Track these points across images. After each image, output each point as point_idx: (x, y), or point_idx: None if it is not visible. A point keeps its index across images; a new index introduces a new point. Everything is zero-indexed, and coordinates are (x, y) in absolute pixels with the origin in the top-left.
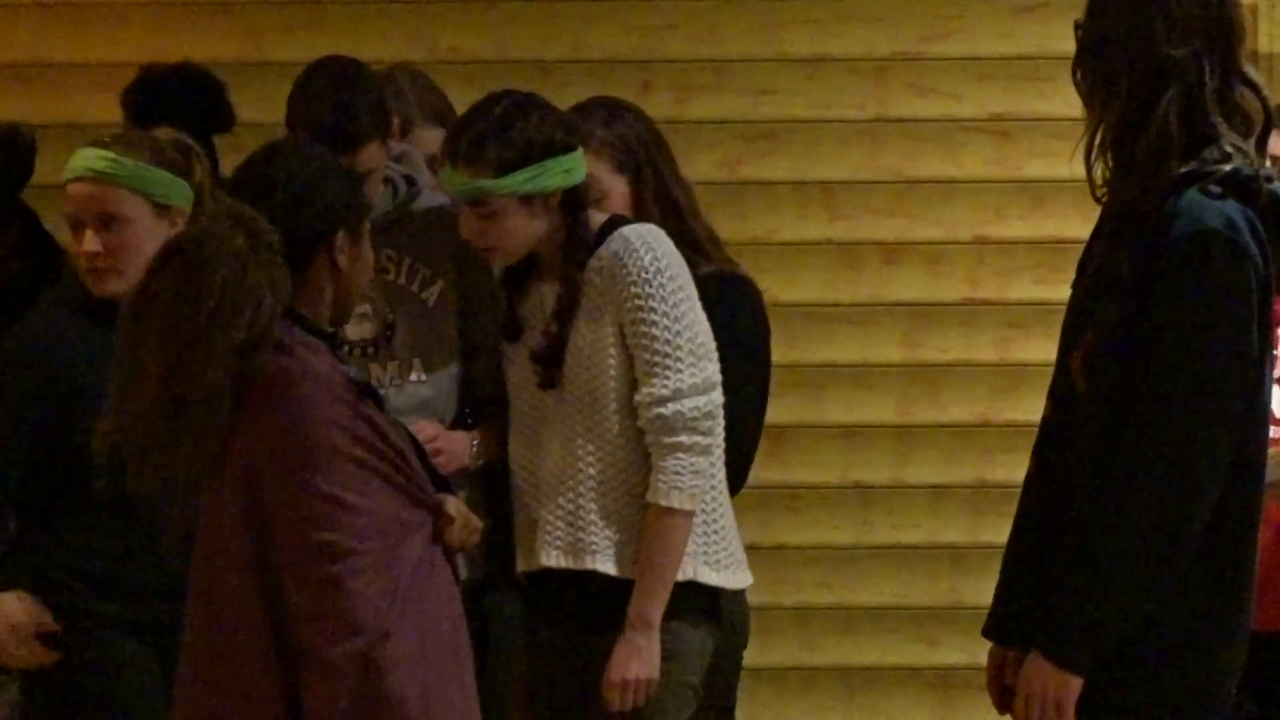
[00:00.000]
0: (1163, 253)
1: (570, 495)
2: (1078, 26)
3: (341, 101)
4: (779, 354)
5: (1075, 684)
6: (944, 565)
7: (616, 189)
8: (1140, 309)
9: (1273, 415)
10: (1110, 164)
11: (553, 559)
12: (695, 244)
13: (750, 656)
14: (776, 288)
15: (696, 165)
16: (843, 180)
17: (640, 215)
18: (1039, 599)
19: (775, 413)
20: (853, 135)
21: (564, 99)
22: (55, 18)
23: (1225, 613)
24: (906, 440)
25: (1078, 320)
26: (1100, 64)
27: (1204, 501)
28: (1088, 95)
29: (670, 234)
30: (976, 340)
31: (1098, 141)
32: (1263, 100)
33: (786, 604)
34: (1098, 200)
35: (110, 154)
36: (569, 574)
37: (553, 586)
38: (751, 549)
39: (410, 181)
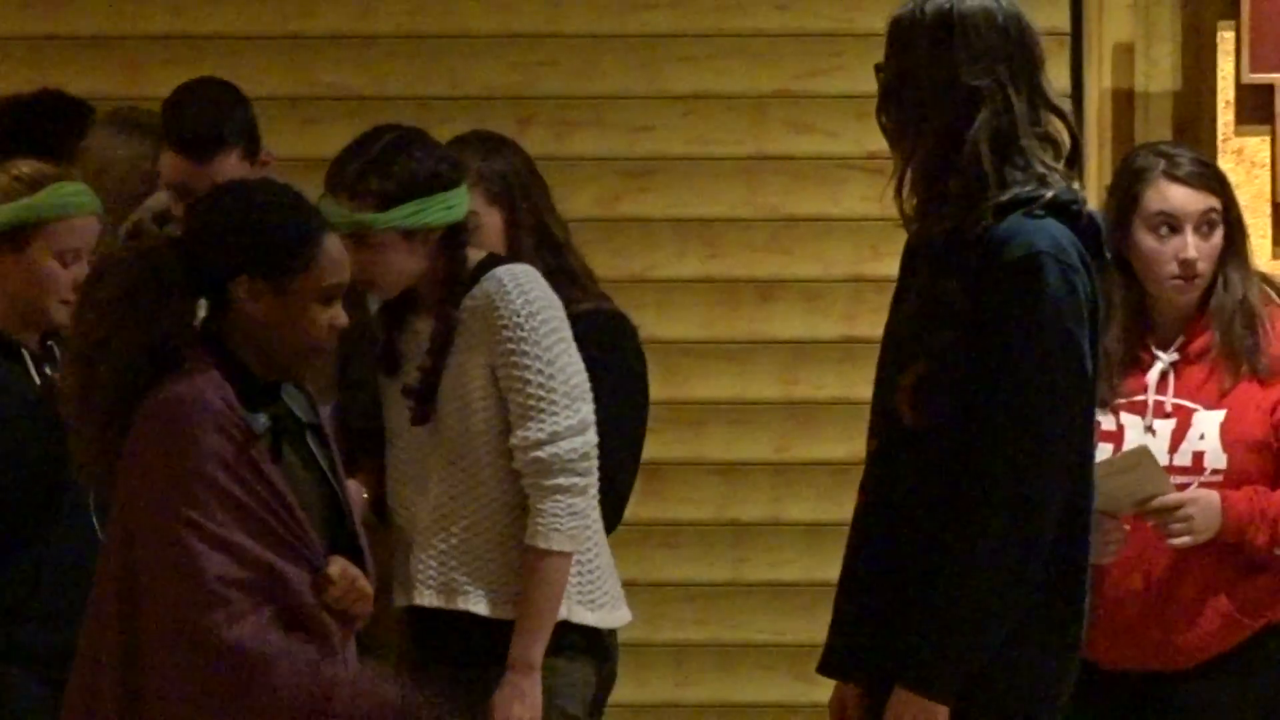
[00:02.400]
0: (994, 277)
1: (443, 535)
2: (879, 69)
3: (205, 110)
4: (657, 391)
5: (943, 713)
6: (821, 602)
7: (491, 222)
8: (972, 336)
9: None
10: (921, 198)
11: (425, 598)
12: (571, 278)
13: (627, 693)
14: (654, 325)
15: (575, 202)
16: (721, 217)
17: (514, 248)
18: (879, 632)
19: (653, 449)
20: (731, 172)
21: (443, 135)
22: None
23: (1060, 633)
24: (783, 477)
25: (899, 355)
26: (906, 100)
27: (1050, 518)
28: (895, 133)
29: (546, 268)
30: (854, 378)
31: (908, 178)
32: (1069, 125)
33: (663, 640)
34: (912, 236)
35: None
36: (440, 614)
37: (428, 625)
38: (629, 585)
39: None
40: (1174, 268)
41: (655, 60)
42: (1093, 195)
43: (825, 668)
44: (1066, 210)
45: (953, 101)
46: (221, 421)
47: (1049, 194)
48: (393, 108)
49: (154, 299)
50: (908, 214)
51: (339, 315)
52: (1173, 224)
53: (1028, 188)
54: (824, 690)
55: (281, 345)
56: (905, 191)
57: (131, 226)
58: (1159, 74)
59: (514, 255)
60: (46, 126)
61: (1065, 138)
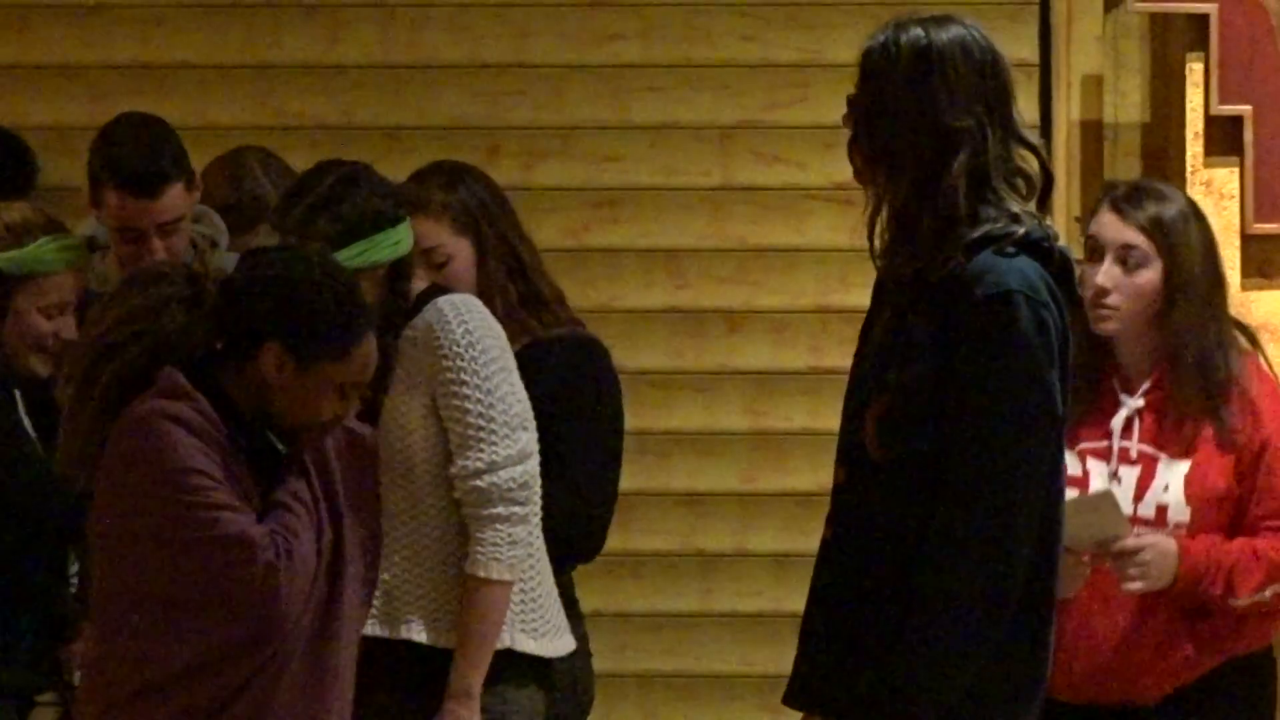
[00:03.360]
0: (965, 314)
1: (385, 564)
2: (851, 101)
3: (144, 146)
4: (624, 421)
5: None
6: (787, 633)
7: (460, 252)
8: (939, 373)
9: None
10: (893, 234)
11: (370, 628)
12: (542, 303)
13: None
14: (621, 354)
15: (542, 231)
16: (687, 248)
17: (482, 276)
18: (844, 664)
19: (619, 480)
20: (698, 203)
21: (410, 165)
22: None
23: (1028, 669)
24: (750, 508)
25: (866, 388)
26: (881, 136)
27: (1021, 554)
28: (866, 169)
29: (515, 294)
30: (820, 409)
31: (880, 213)
32: (1041, 161)
33: (629, 671)
34: (882, 272)
35: None
36: (383, 643)
37: (371, 654)
38: (595, 616)
39: (213, 243)
40: (1090, 294)
41: (623, 90)
42: (1060, 226)
43: (790, 698)
44: (1038, 247)
45: (931, 141)
46: (194, 428)
47: (1020, 231)
48: (360, 138)
49: (184, 325)
50: (878, 249)
51: (348, 410)
52: (1097, 249)
53: (999, 224)
54: None
55: (286, 414)
56: (878, 226)
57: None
58: (1128, 106)
59: (484, 282)
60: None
61: (1036, 170)
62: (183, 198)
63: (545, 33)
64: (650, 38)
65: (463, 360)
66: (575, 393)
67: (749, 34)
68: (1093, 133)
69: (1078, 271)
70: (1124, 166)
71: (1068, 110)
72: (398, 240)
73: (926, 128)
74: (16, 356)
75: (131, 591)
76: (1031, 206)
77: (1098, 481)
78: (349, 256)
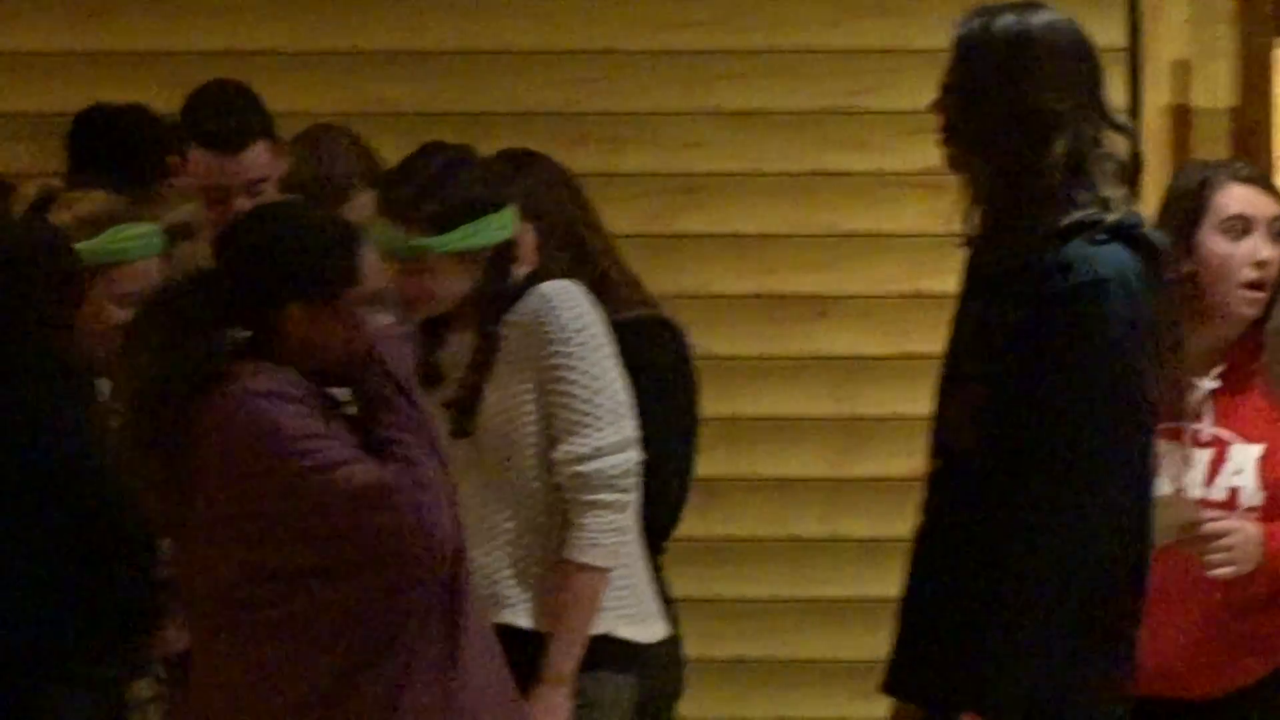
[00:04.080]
0: (1056, 302)
1: (485, 548)
2: (944, 89)
3: (225, 104)
4: (711, 407)
5: None
6: (877, 619)
7: (525, 238)
8: (1029, 360)
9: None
10: (986, 220)
11: None
12: (610, 288)
13: (683, 709)
14: (707, 341)
15: (627, 217)
16: (774, 234)
17: (544, 261)
18: (940, 654)
19: (707, 466)
20: (784, 189)
21: (493, 151)
22: None
23: (1110, 666)
24: (839, 494)
25: (957, 375)
26: (976, 122)
27: (1107, 546)
28: (960, 156)
29: (583, 280)
30: (908, 394)
31: (971, 197)
32: (1134, 145)
33: (719, 657)
34: (976, 258)
35: None
36: None
37: None
38: (684, 602)
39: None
40: (1248, 273)
41: (707, 76)
42: (1149, 211)
43: (888, 686)
44: (1129, 234)
45: (1024, 126)
46: (296, 397)
47: (1112, 217)
48: (443, 124)
49: (198, 341)
50: (972, 235)
51: (383, 316)
52: (1246, 226)
53: (1091, 211)
54: (881, 708)
55: (333, 358)
56: (969, 212)
57: None
58: (1215, 90)
59: (547, 269)
60: (133, 141)
61: (1127, 156)
62: (267, 157)
63: (629, 19)
64: (734, 24)
65: (569, 345)
66: (649, 374)
67: (834, 20)
68: (1181, 117)
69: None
70: (1211, 151)
71: (1156, 95)
72: (502, 225)
73: (1022, 113)
74: (93, 347)
75: (264, 572)
76: (1124, 192)
77: (1168, 462)
78: (455, 240)
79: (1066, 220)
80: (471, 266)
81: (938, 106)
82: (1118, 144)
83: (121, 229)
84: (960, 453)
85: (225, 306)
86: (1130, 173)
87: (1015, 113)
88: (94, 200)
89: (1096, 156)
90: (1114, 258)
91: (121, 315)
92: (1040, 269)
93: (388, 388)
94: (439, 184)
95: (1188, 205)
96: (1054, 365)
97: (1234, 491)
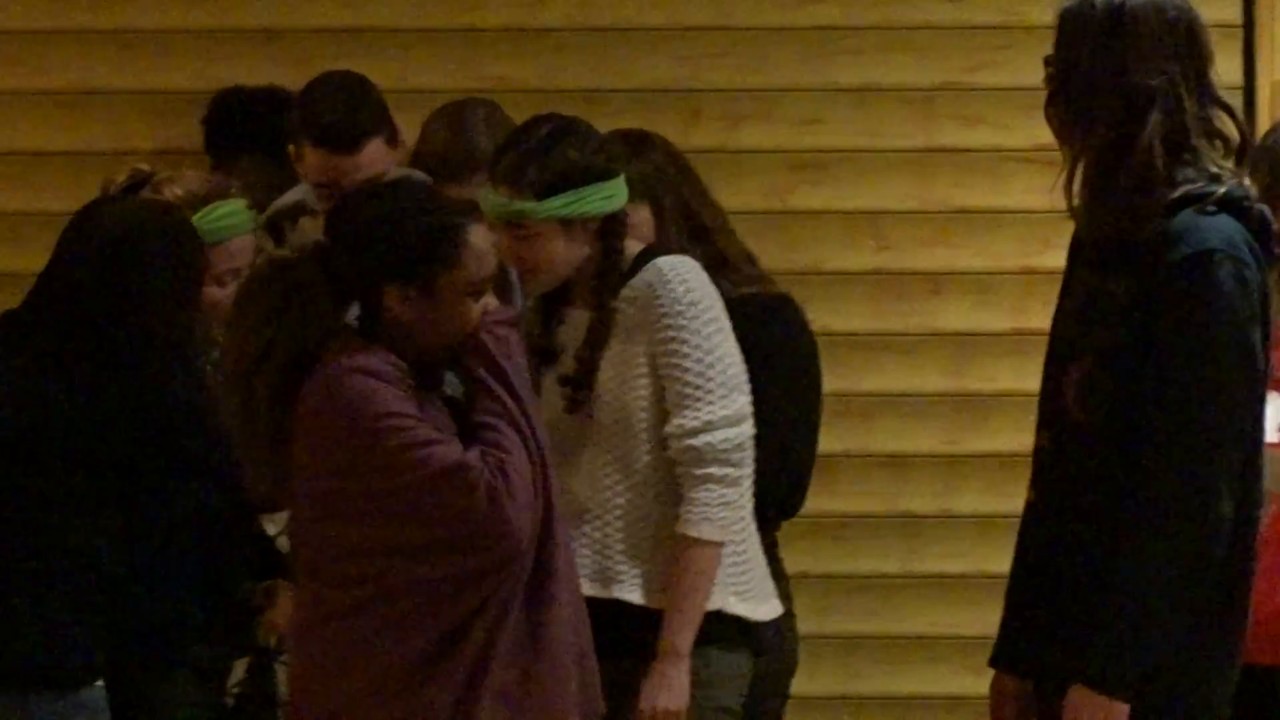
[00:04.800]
0: (1166, 274)
1: (598, 524)
2: (1048, 62)
3: (342, 101)
4: (827, 383)
5: (1122, 710)
6: (991, 595)
7: (640, 218)
8: (1139, 333)
9: None
10: (1090, 194)
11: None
12: (725, 265)
13: (797, 685)
14: (824, 317)
15: (744, 194)
16: (890, 210)
17: (662, 241)
18: (1051, 628)
19: (823, 442)
20: (900, 165)
21: (611, 128)
22: (102, 45)
23: (1223, 635)
24: (954, 470)
25: (1066, 350)
26: (1075, 97)
27: (1226, 516)
28: (1063, 130)
29: (697, 258)
30: (1024, 370)
31: (1078, 174)
32: (1238, 123)
33: (833, 632)
34: (1081, 232)
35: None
36: (595, 602)
37: None
38: (799, 578)
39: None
40: None
41: (824, 53)
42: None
43: (997, 660)
44: (1238, 206)
45: (1123, 99)
46: (389, 377)
47: (1220, 190)
48: (562, 101)
49: (301, 314)
50: (1077, 209)
51: (491, 304)
52: None
53: (1199, 184)
54: None
55: (436, 341)
56: (1075, 186)
57: (265, 222)
58: None
59: (663, 245)
60: (269, 121)
61: (1234, 134)
62: (382, 153)
63: None
64: (852, 0)
65: (684, 319)
66: (768, 351)
67: None
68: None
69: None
70: None
71: (1271, 70)
72: (609, 194)
73: (1117, 87)
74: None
75: (358, 546)
76: (1230, 166)
77: (1272, 410)
78: (558, 206)
79: (1175, 193)
80: (578, 236)
81: (1047, 81)
82: (1226, 122)
83: (213, 208)
84: (1071, 426)
85: (333, 282)
86: (1238, 148)
87: (1109, 86)
88: (189, 181)
89: (1200, 131)
90: (1223, 228)
91: (219, 294)
92: (1149, 241)
93: (487, 375)
94: (543, 150)
95: (1273, 162)
96: (1167, 336)
97: None
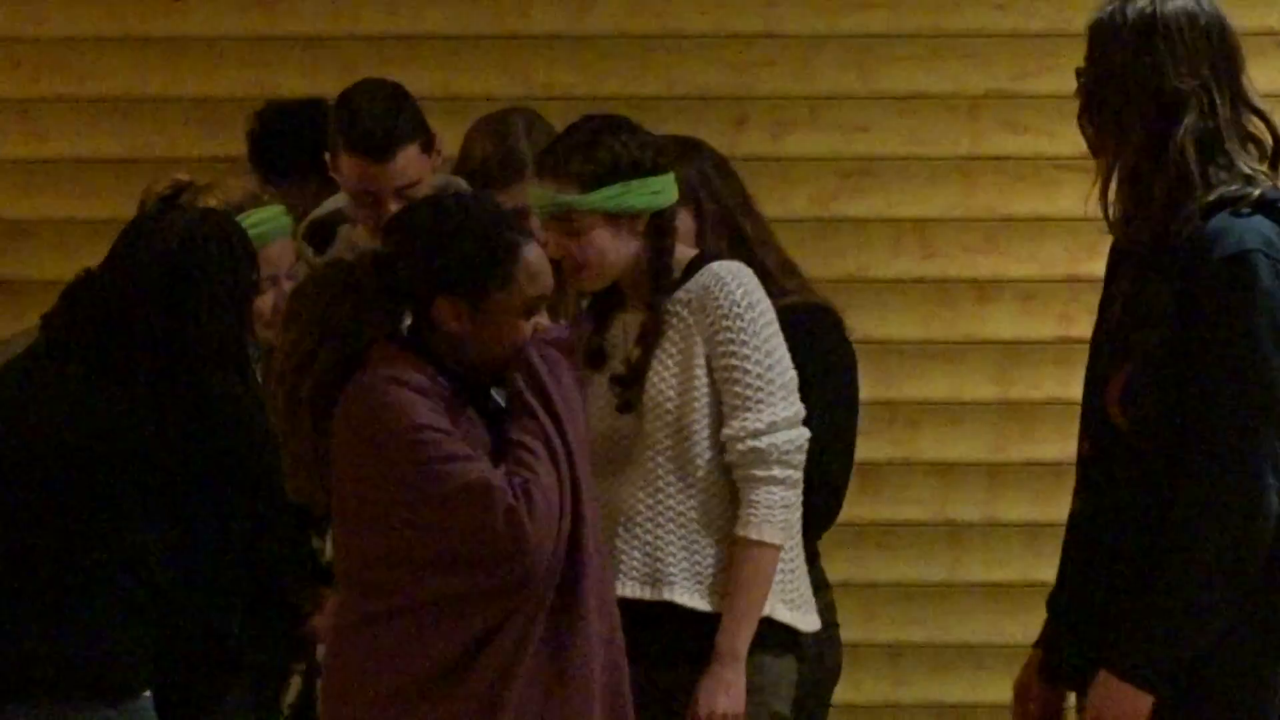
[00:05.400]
0: (1204, 276)
1: (649, 526)
2: (1080, 73)
3: (377, 109)
4: (872, 391)
5: (1147, 702)
6: (1037, 603)
7: (683, 224)
8: (1181, 336)
9: None
10: (1126, 202)
11: (629, 589)
12: (766, 276)
13: (842, 693)
14: (869, 325)
15: (791, 201)
16: (936, 217)
17: (702, 247)
18: (1092, 635)
19: (868, 449)
20: (946, 172)
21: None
22: (152, 52)
23: (1268, 634)
24: (999, 478)
25: (1107, 358)
26: (1110, 104)
27: (1269, 514)
28: (1098, 138)
29: None
30: (1070, 378)
31: (1114, 181)
32: (1271, 126)
33: (879, 640)
34: (1117, 238)
35: None
36: (645, 605)
37: (633, 615)
38: (844, 585)
39: None
40: None
41: (871, 60)
42: None
43: (1041, 670)
44: (1273, 208)
45: (1157, 105)
46: (416, 387)
47: (1256, 192)
48: (608, 107)
49: (354, 315)
50: (1113, 218)
51: (542, 324)
52: None
53: (1233, 187)
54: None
55: (485, 357)
56: (1110, 195)
57: (308, 228)
58: None
59: (714, 251)
60: (314, 134)
61: (1268, 138)
62: (418, 160)
63: (794, 2)
64: (899, 7)
65: (742, 321)
66: (807, 360)
67: (999, 3)
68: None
69: None
70: None
71: None
72: (657, 190)
73: (1150, 92)
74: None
75: (384, 556)
76: (1265, 169)
77: None
78: (603, 198)
79: (1211, 196)
80: (626, 232)
81: (1077, 91)
82: (1260, 128)
83: (249, 214)
84: (1114, 432)
85: (386, 289)
86: (1272, 152)
87: (1142, 92)
88: (226, 189)
89: (1234, 135)
90: (1259, 229)
91: (261, 300)
92: (1187, 245)
93: (530, 393)
94: (590, 145)
95: None
96: (1209, 335)
97: None
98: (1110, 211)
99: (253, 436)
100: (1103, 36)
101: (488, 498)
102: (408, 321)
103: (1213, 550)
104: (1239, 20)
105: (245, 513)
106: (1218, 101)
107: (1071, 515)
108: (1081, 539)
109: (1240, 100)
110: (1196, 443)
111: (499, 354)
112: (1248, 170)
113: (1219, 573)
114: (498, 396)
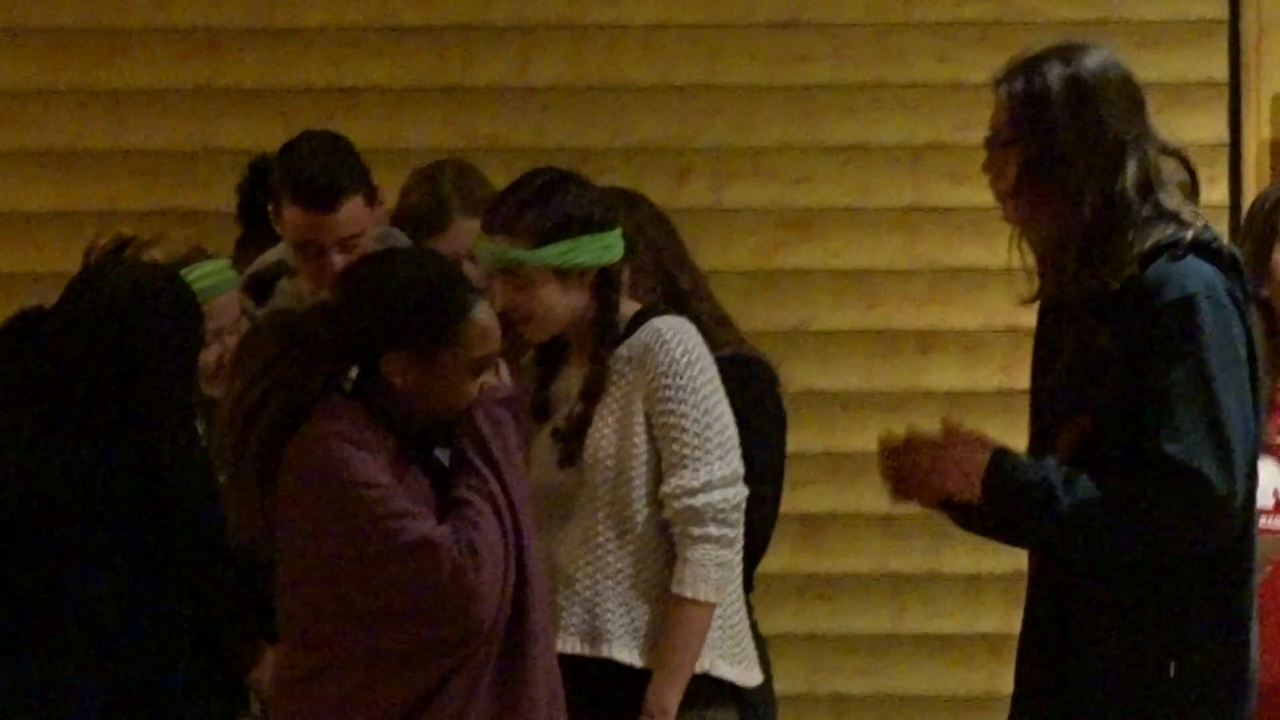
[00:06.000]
0: (1151, 323)
1: (588, 582)
2: (995, 143)
3: (320, 160)
4: (816, 441)
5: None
6: (980, 654)
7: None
8: (1131, 384)
9: None
10: (1063, 257)
11: (569, 645)
12: (701, 328)
13: None
14: (813, 376)
15: (734, 252)
16: (879, 268)
17: (637, 298)
18: (1059, 692)
19: (811, 501)
20: (889, 223)
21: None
22: (93, 105)
23: (1236, 659)
24: (942, 530)
25: (1053, 411)
26: (1058, 173)
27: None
28: (1027, 204)
29: None
30: (1013, 429)
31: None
32: (1185, 162)
33: (822, 693)
34: (1066, 293)
35: None
36: (584, 661)
37: (571, 671)
38: (787, 638)
39: None
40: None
41: (813, 111)
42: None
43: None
44: (1207, 249)
45: (1105, 161)
46: (371, 445)
47: (1189, 234)
48: (552, 159)
49: (301, 367)
50: (1052, 274)
51: (489, 383)
52: None
53: (1169, 231)
54: None
55: (431, 413)
56: (1029, 251)
57: (248, 280)
58: None
59: (657, 305)
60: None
61: (1186, 175)
62: (361, 212)
63: (736, 54)
64: (841, 58)
65: (681, 379)
66: (740, 412)
67: (941, 54)
68: None
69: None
70: None
71: (1257, 128)
72: (606, 245)
73: (1100, 149)
74: None
75: (328, 610)
76: (1192, 207)
77: (1266, 477)
78: (554, 254)
79: (1149, 243)
80: (574, 287)
81: (992, 164)
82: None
83: (192, 268)
84: None
85: (335, 342)
86: (1190, 190)
87: (1091, 151)
88: (173, 243)
89: (1160, 180)
90: (1198, 272)
91: (205, 353)
92: (1129, 293)
93: (474, 451)
94: (540, 199)
95: (1260, 225)
96: (1162, 385)
97: None
98: (1042, 267)
99: (198, 489)
100: (1033, 107)
101: (433, 554)
102: (354, 374)
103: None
104: (1181, 72)
105: (190, 564)
106: (1146, 149)
107: (1031, 576)
108: (1043, 595)
109: (1158, 145)
110: (1155, 480)
111: (445, 411)
112: (1178, 211)
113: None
114: (441, 456)
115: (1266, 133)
